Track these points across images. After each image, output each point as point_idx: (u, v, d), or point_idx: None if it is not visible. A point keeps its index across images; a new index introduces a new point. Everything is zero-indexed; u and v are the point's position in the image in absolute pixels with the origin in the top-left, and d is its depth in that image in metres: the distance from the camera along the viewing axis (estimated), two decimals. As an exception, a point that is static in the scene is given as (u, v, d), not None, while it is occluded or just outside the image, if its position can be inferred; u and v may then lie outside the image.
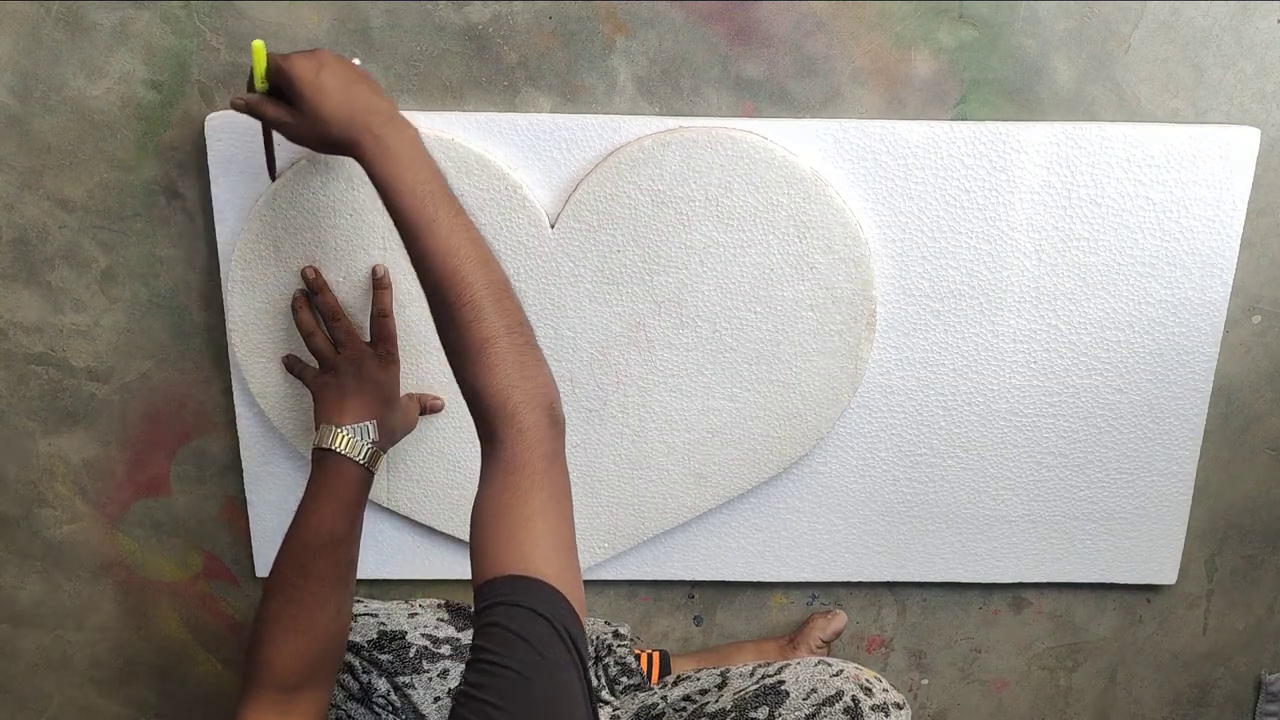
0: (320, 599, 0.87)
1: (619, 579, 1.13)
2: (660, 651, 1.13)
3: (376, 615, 0.98)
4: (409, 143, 0.80)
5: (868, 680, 0.89)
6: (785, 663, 0.94)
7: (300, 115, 0.82)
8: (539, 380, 0.75)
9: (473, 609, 0.70)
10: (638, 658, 1.09)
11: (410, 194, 0.77)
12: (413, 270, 0.89)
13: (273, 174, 0.94)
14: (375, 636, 0.95)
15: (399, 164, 0.78)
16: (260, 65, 0.83)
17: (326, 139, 0.82)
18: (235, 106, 0.86)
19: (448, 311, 0.75)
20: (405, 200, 0.77)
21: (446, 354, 0.77)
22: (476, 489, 0.74)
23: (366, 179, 0.95)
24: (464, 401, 0.76)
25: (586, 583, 1.14)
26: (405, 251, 0.79)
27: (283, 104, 0.83)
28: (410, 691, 0.95)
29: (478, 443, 1.04)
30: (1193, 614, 1.19)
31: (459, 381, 0.76)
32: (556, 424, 0.75)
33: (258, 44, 0.83)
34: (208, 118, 0.95)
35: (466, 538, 1.08)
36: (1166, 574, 1.14)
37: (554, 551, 0.70)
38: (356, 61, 0.86)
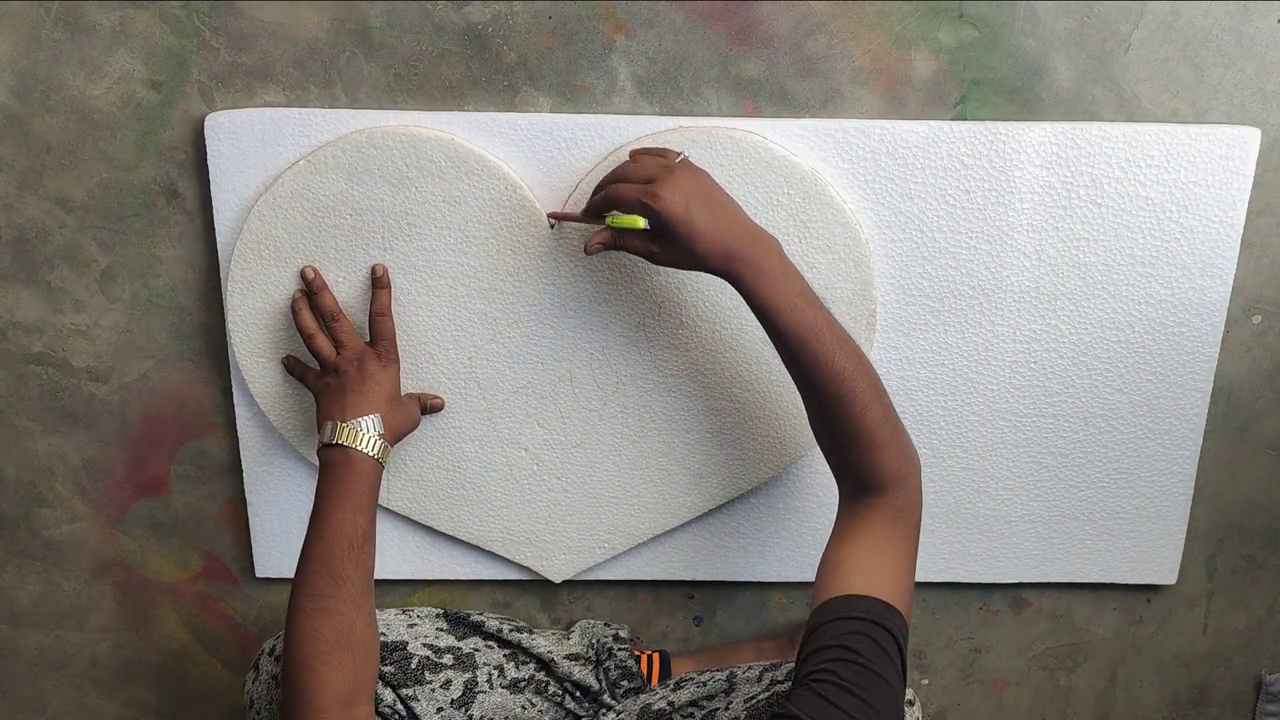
0: (356, 604, 0.85)
1: (619, 579, 1.13)
2: (660, 652, 1.12)
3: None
4: (776, 258, 0.84)
5: None
6: (792, 666, 0.94)
7: (671, 249, 0.85)
8: (908, 442, 0.86)
9: (820, 606, 0.79)
10: (637, 659, 1.09)
11: (792, 309, 0.83)
12: (413, 269, 0.89)
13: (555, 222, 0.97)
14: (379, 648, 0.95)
15: (776, 282, 0.83)
16: (638, 222, 0.83)
17: (701, 269, 0.85)
18: (590, 250, 0.87)
19: (840, 406, 0.83)
20: (788, 316, 0.83)
21: (826, 441, 0.87)
22: (842, 530, 0.85)
23: (366, 179, 0.96)
24: (831, 462, 0.88)
25: (587, 583, 1.15)
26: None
27: (647, 234, 0.85)
28: (414, 704, 0.94)
29: (477, 442, 1.05)
30: (1193, 614, 1.19)
31: (839, 460, 0.86)
32: (919, 469, 0.87)
33: (622, 219, 0.84)
34: (208, 118, 0.95)
35: (466, 537, 1.09)
36: (1166, 574, 1.14)
37: (908, 585, 0.82)
38: (686, 154, 0.87)
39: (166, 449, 1.09)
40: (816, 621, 0.78)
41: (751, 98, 0.98)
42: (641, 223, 0.83)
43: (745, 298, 0.84)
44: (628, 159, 0.90)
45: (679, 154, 0.88)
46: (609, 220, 0.85)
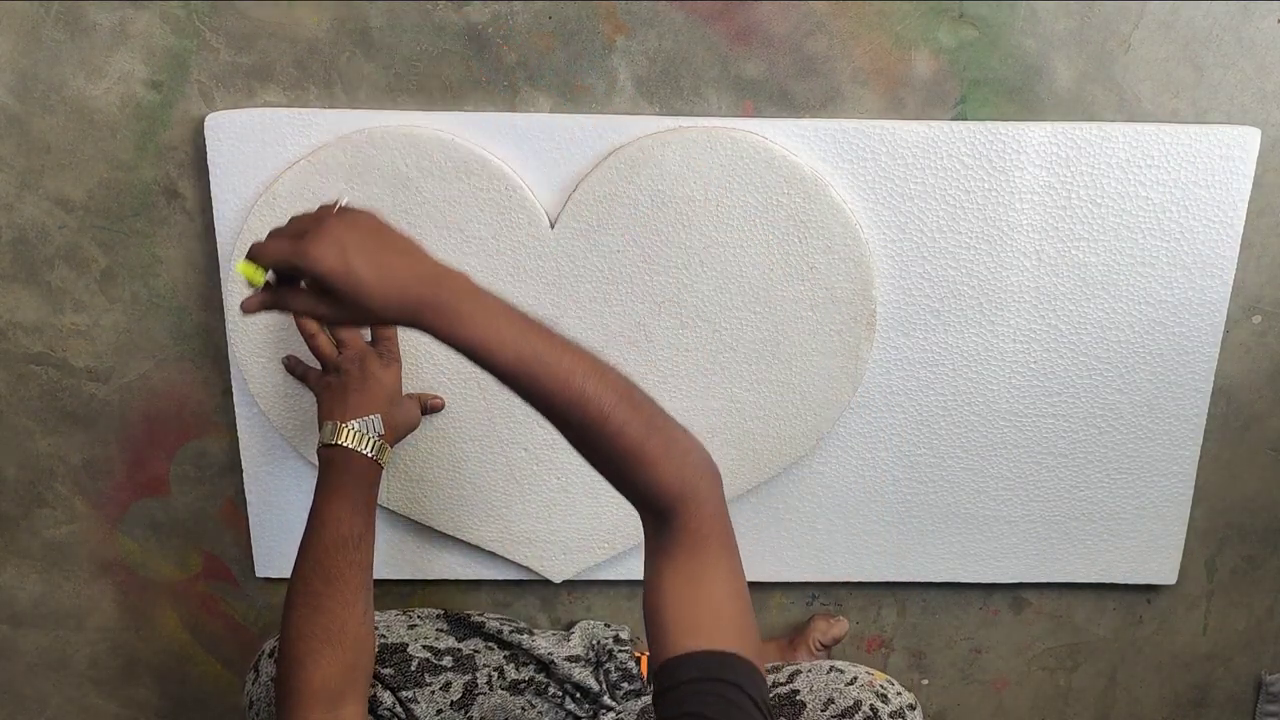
0: (347, 604, 0.86)
1: (619, 579, 1.13)
2: (660, 652, 1.12)
3: (375, 627, 0.98)
4: (468, 295, 0.72)
5: (881, 685, 0.89)
6: (795, 669, 0.94)
7: (341, 307, 0.72)
8: (693, 451, 0.74)
9: (656, 671, 0.70)
10: (638, 661, 1.08)
11: (502, 347, 0.70)
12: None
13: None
14: (376, 649, 0.95)
15: (474, 322, 0.71)
16: (256, 277, 0.72)
17: (382, 323, 0.75)
18: (247, 310, 0.74)
19: (590, 432, 0.72)
20: (499, 355, 0.71)
21: (598, 469, 0.75)
22: (651, 567, 0.73)
23: (366, 179, 0.96)
24: (619, 490, 0.75)
25: (587, 583, 1.15)
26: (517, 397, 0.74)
27: (309, 293, 0.73)
28: (413, 706, 0.94)
29: (477, 442, 1.05)
30: (1193, 614, 1.19)
31: (620, 487, 0.75)
32: (717, 478, 0.75)
33: (241, 267, 0.72)
34: (208, 118, 0.95)
35: (466, 537, 1.09)
36: (1166, 574, 1.14)
37: (743, 616, 0.71)
38: (345, 200, 0.77)
39: (166, 449, 1.09)
40: (657, 689, 0.69)
41: (751, 98, 0.98)
42: (262, 278, 0.72)
43: (448, 344, 0.72)
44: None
45: (336, 201, 0.76)
46: (236, 268, 0.74)
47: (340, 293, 0.70)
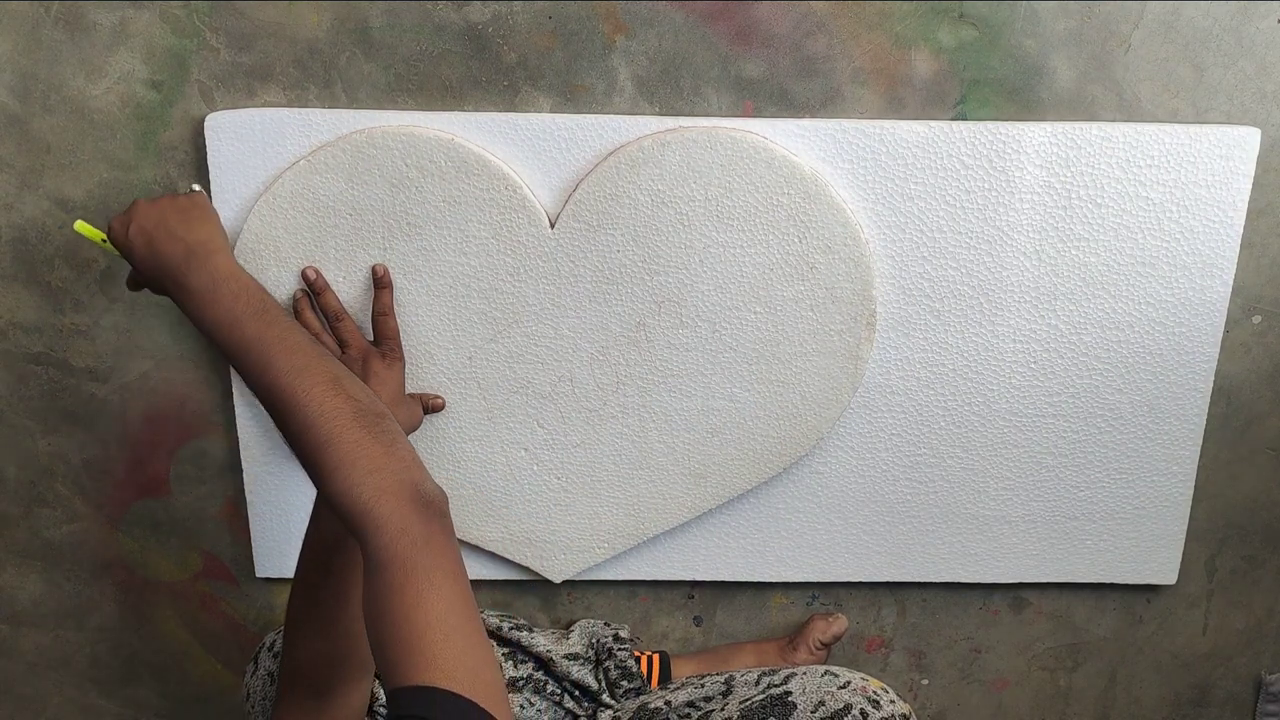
0: (341, 598, 0.86)
1: (619, 579, 1.13)
2: (660, 653, 1.13)
3: None
4: (206, 276, 0.82)
5: (875, 692, 0.89)
6: (791, 671, 0.94)
7: (133, 269, 0.88)
8: (389, 469, 0.70)
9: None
10: (637, 660, 1.09)
11: (215, 328, 0.80)
12: (413, 269, 0.89)
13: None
14: None
15: (197, 301, 0.81)
16: (94, 233, 0.90)
17: (154, 290, 0.87)
18: (129, 286, 0.92)
19: (282, 425, 0.75)
20: (215, 336, 0.80)
21: (300, 461, 0.75)
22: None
23: (366, 179, 0.96)
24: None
25: (587, 583, 1.15)
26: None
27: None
28: None
29: (477, 442, 1.05)
30: (1193, 614, 1.19)
31: (317, 487, 0.73)
32: (422, 506, 0.70)
33: (78, 224, 0.90)
34: (208, 118, 0.95)
35: (466, 537, 1.09)
36: (1166, 574, 1.14)
37: (444, 641, 0.64)
38: (195, 187, 0.90)
39: (166, 449, 1.09)
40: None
41: (751, 98, 0.98)
42: (99, 236, 0.90)
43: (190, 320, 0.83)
44: None
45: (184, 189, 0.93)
46: (75, 225, 0.90)
47: (125, 256, 0.86)
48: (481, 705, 0.62)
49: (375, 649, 0.66)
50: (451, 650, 0.64)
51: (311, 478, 0.73)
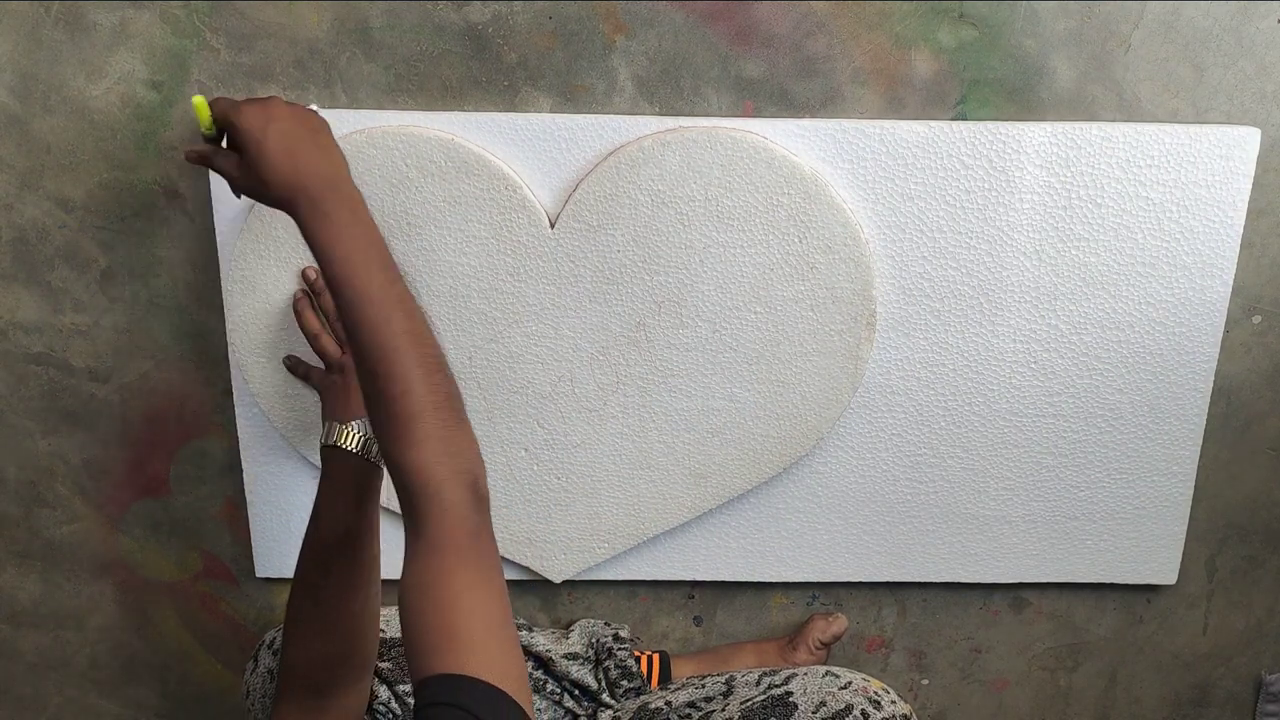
0: (341, 598, 0.87)
1: (619, 579, 1.13)
2: (660, 653, 1.13)
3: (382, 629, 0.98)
4: (348, 209, 0.76)
5: (876, 693, 0.90)
6: (792, 672, 0.94)
7: (245, 170, 0.79)
8: (465, 456, 0.72)
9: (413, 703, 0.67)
10: (638, 660, 1.09)
11: (344, 262, 0.74)
12: (413, 269, 0.88)
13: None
14: (377, 647, 0.95)
15: (334, 231, 0.75)
16: (204, 115, 0.80)
17: (265, 198, 0.79)
18: (189, 158, 0.84)
19: (376, 385, 0.72)
20: (338, 269, 0.74)
21: (374, 430, 0.74)
22: (403, 566, 0.69)
23: (366, 179, 0.96)
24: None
25: (587, 583, 1.15)
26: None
27: (234, 156, 0.80)
28: (410, 700, 0.94)
29: (478, 442, 1.05)
30: (1193, 614, 1.19)
31: (385, 459, 0.73)
32: (480, 500, 0.72)
33: (198, 99, 0.80)
34: (208, 118, 0.95)
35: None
36: (1166, 574, 1.14)
37: (486, 633, 0.65)
38: (314, 107, 0.82)
39: (166, 449, 1.09)
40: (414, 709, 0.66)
41: (751, 98, 0.98)
42: (205, 115, 0.80)
43: (306, 241, 0.76)
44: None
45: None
46: (194, 100, 0.81)
47: (248, 156, 0.77)
48: (505, 695, 0.62)
49: (410, 632, 0.66)
50: (492, 643, 0.65)
51: (387, 443, 0.72)
